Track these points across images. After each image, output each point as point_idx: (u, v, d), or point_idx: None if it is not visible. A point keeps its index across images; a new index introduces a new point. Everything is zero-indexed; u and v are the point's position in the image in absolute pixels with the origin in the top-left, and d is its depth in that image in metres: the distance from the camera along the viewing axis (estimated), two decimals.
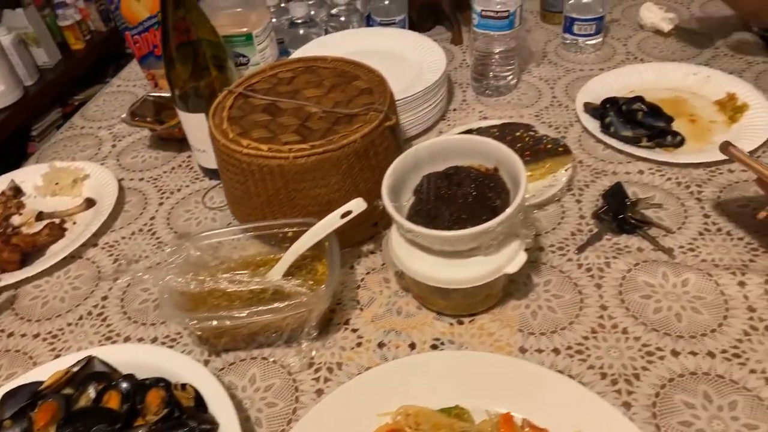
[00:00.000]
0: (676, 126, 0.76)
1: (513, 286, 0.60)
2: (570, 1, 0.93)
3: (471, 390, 0.49)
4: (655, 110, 0.77)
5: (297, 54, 0.89)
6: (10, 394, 0.52)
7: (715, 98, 0.80)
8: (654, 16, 0.96)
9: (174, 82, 0.72)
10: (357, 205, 0.58)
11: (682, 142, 0.75)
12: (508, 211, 0.50)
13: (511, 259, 0.54)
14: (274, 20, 0.97)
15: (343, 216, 0.58)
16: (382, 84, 0.66)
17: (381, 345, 0.57)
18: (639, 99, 0.78)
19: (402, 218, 0.53)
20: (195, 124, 0.73)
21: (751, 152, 0.71)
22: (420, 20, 1.06)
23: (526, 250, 0.55)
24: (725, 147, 0.57)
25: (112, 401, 0.49)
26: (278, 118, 0.64)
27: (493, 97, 0.89)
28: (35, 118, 1.90)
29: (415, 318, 0.59)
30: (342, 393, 0.50)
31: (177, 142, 0.85)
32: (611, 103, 0.79)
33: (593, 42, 0.94)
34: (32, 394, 0.51)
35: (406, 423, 0.47)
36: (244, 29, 0.82)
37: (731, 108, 0.78)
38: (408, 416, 0.47)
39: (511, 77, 0.88)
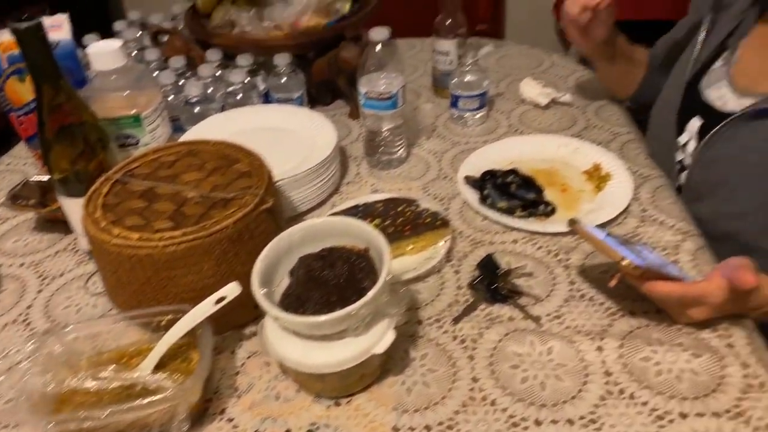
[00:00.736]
0: (548, 195, 0.82)
1: (390, 363, 0.61)
2: (453, 80, 1.00)
3: None
4: (527, 182, 0.82)
5: (191, 132, 0.91)
6: None
7: (584, 168, 0.87)
8: (532, 90, 1.05)
9: (52, 168, 0.71)
10: (231, 290, 0.58)
11: (553, 211, 0.80)
12: (369, 295, 0.52)
13: (380, 338, 0.55)
14: (170, 98, 0.98)
15: (218, 302, 0.58)
16: (261, 167, 0.68)
17: None
18: (513, 172, 0.83)
19: (269, 304, 0.53)
20: (75, 209, 0.72)
21: (612, 220, 0.77)
22: (319, 95, 1.11)
23: (405, 323, 0.57)
24: (571, 224, 0.62)
25: None
26: (154, 204, 0.64)
27: (384, 170, 0.92)
28: None
29: (293, 402, 0.58)
30: None
31: (64, 223, 0.83)
32: (490, 175, 0.84)
33: (478, 116, 1.01)
34: None
35: None
36: (133, 111, 0.82)
37: (597, 177, 0.85)
38: None
39: (400, 151, 0.93)
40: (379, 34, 0.83)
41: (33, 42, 0.64)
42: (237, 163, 0.69)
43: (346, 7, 1.05)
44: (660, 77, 0.94)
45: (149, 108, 0.84)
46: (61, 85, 0.68)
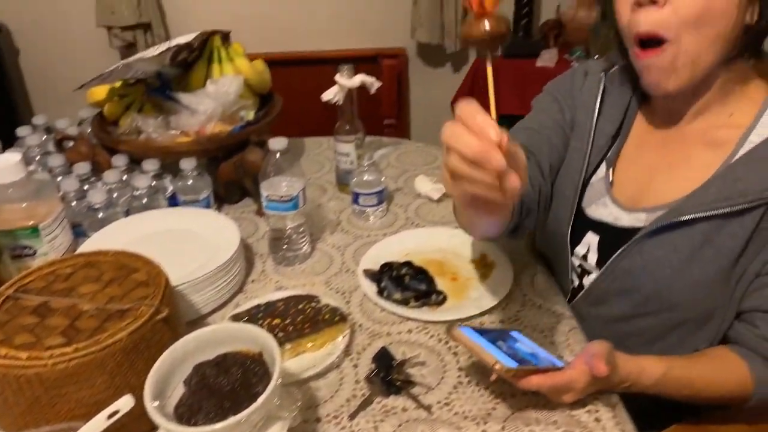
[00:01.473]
0: (440, 284, 0.89)
1: None
2: (354, 179, 1.08)
3: None
4: (420, 273, 0.89)
5: (93, 239, 0.91)
6: None
7: (472, 258, 0.95)
8: (425, 186, 1.14)
9: None
10: (125, 404, 0.58)
11: (444, 300, 0.86)
12: (259, 401, 0.54)
13: None
14: (73, 203, 0.99)
15: (111, 416, 0.58)
16: (158, 275, 0.70)
17: None
18: (408, 264, 0.90)
19: (160, 417, 0.54)
20: None
21: (497, 305, 0.84)
22: (227, 195, 1.15)
23: (303, 422, 0.59)
24: (448, 331, 0.67)
25: None
26: (47, 320, 0.64)
27: (289, 266, 0.96)
28: None
29: None
30: None
31: None
32: (387, 267, 0.90)
33: (378, 210, 1.09)
34: None
35: None
36: (30, 222, 0.83)
37: (483, 266, 0.93)
38: None
39: (305, 248, 0.98)
40: (277, 144, 0.89)
41: None
42: (135, 273, 0.71)
43: (251, 115, 1.12)
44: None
45: (48, 218, 0.84)
46: None
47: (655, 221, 0.75)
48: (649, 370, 0.70)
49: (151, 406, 0.55)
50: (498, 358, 0.61)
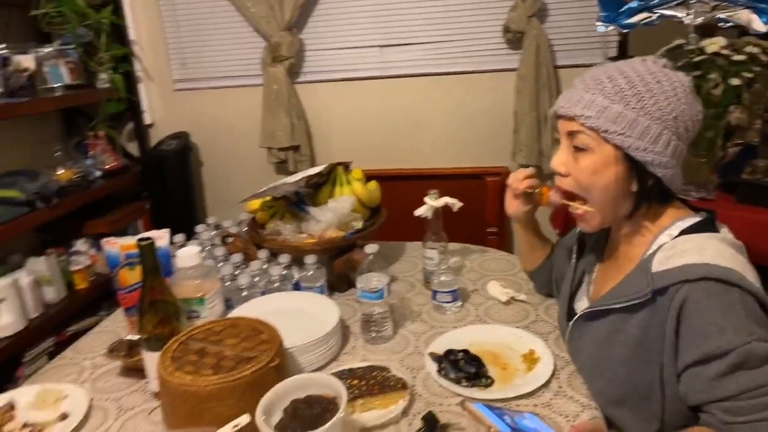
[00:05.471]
0: (491, 371, 1.09)
1: None
2: (435, 280, 1.33)
3: None
4: (474, 360, 1.10)
5: (238, 310, 1.26)
6: None
7: (522, 352, 1.14)
8: (495, 290, 1.36)
9: (141, 329, 1.06)
10: (244, 419, 0.87)
11: (491, 384, 1.06)
12: (326, 426, 0.80)
13: None
14: (227, 284, 1.36)
15: (234, 427, 0.86)
16: (276, 337, 1.00)
17: None
18: (464, 351, 1.12)
19: (266, 428, 0.82)
20: (151, 361, 1.05)
21: (533, 392, 1.02)
22: (338, 284, 1.46)
23: None
24: (462, 403, 0.88)
25: None
26: (203, 359, 0.96)
27: (374, 345, 1.23)
28: (30, 345, 2.19)
29: None
30: None
31: (139, 371, 1.16)
32: (449, 353, 1.13)
33: (453, 306, 1.32)
34: None
35: None
36: (199, 294, 1.19)
37: (530, 360, 1.11)
38: None
39: (388, 330, 1.24)
40: (370, 248, 1.19)
41: (148, 252, 1.04)
42: (261, 334, 1.02)
43: (360, 224, 1.45)
44: (553, 269, 1.28)
45: (211, 293, 1.21)
46: (157, 276, 1.07)
47: (583, 310, 1.03)
48: None
49: (260, 419, 0.83)
50: (494, 424, 0.81)
